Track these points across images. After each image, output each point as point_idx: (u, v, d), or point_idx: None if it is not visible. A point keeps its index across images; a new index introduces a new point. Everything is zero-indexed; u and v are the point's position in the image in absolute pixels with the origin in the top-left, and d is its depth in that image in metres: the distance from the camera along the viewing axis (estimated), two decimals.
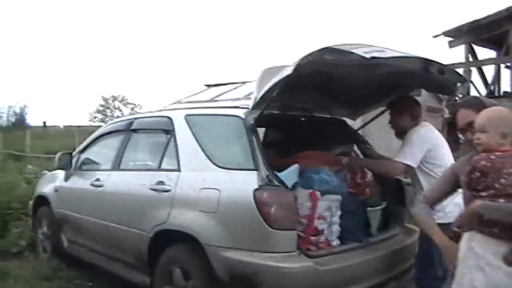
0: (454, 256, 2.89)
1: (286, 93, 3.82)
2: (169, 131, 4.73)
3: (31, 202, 7.13)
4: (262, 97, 3.89)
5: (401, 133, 4.44)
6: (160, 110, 5.50)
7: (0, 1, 66.12)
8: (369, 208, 4.51)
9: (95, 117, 55.09)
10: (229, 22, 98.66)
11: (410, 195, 4.65)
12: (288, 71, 3.55)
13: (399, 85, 4.56)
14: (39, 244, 6.73)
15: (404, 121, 4.42)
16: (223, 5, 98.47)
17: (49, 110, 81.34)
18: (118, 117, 51.71)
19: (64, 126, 40.32)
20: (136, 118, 5.55)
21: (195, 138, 4.41)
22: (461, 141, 3.59)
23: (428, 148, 4.20)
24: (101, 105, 56.64)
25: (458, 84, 4.49)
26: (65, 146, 21.92)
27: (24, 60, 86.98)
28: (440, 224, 3.27)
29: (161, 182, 4.46)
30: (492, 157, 2.72)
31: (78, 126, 39.21)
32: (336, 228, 4.12)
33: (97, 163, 5.98)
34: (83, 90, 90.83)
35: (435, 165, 4.16)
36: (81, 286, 5.65)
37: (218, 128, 4.47)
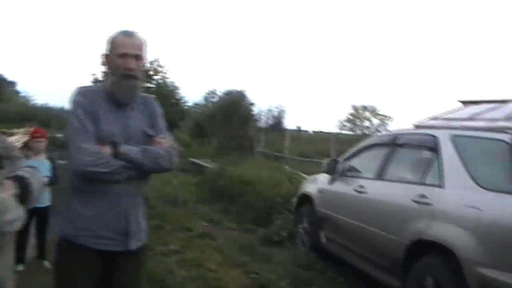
0: None
1: None
2: (434, 149, 5.02)
3: (294, 199, 7.96)
4: None
5: None
6: (421, 127, 5.82)
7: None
8: None
9: (344, 126, 56.50)
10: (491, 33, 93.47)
11: None
12: None
13: None
14: (298, 237, 7.49)
15: None
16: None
17: (300, 115, 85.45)
18: (367, 127, 52.47)
19: (313, 132, 42.11)
20: (401, 134, 5.92)
21: (460, 158, 4.66)
22: None
23: None
24: (351, 114, 57.85)
25: None
26: (317, 152, 23.16)
27: (283, 66, 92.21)
28: None
29: (423, 196, 4.78)
30: None
31: (327, 133, 40.85)
32: None
33: (361, 171, 6.49)
34: (334, 97, 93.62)
35: None
36: (333, 279, 6.15)
37: (483, 151, 4.66)
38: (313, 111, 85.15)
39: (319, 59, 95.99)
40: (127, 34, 2.80)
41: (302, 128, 38.13)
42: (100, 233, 2.69)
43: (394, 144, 5.83)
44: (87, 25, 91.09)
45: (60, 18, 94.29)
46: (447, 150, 4.86)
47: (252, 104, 31.06)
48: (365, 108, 57.98)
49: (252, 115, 27.41)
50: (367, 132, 51.53)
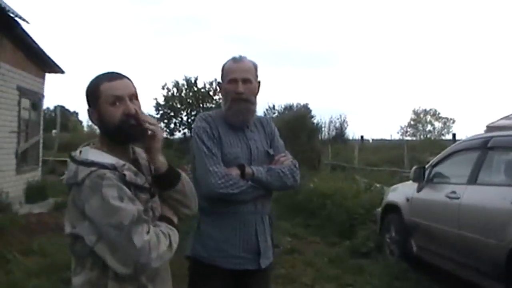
0: None
1: None
2: None
3: (379, 209, 7.95)
4: None
5: None
6: (494, 128, 5.77)
7: None
8: None
9: (406, 131, 55.54)
10: None
11: None
12: None
13: None
14: (386, 247, 7.48)
15: None
16: None
17: (360, 123, 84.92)
18: (430, 131, 51.48)
19: (373, 140, 41.63)
20: (492, 137, 5.84)
21: None
22: None
23: None
24: (413, 119, 56.90)
25: None
26: (383, 160, 22.92)
27: (339, 74, 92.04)
28: None
29: None
30: None
31: (389, 140, 40.25)
32: None
33: (450, 177, 6.43)
34: (392, 103, 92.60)
35: None
36: None
37: None
38: (372, 118, 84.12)
39: (373, 65, 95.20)
40: (235, 60, 2.94)
41: (364, 137, 37.71)
42: (233, 253, 2.82)
43: (486, 147, 5.77)
44: (143, 51, 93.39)
45: (116, 46, 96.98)
46: None
47: (313, 116, 31.19)
48: (426, 112, 56.97)
49: (318, 128, 27.46)
50: (430, 136, 50.65)
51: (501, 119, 6.14)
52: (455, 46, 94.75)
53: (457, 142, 7.28)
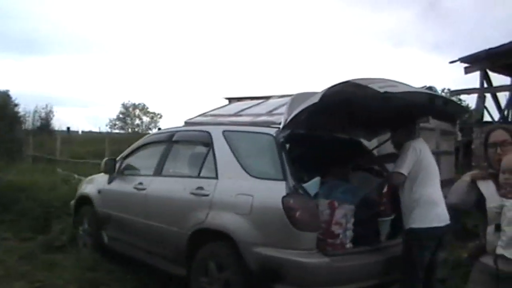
0: None
1: (313, 116, 4.52)
2: (208, 144, 5.43)
3: (72, 202, 7.84)
4: (292, 119, 4.61)
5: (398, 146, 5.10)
6: (192, 124, 6.23)
7: None
8: (379, 219, 5.11)
9: (115, 124, 55.78)
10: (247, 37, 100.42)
11: None
12: (316, 99, 4.26)
13: (410, 113, 5.12)
14: (80, 239, 7.42)
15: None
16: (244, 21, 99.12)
17: (69, 115, 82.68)
18: (138, 125, 52.44)
19: (83, 132, 41.04)
20: (177, 131, 6.23)
21: (232, 151, 5.13)
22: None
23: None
24: (122, 113, 57.36)
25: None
26: (89, 152, 22.69)
27: (55, 63, 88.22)
28: None
29: (201, 188, 5.16)
30: None
31: (98, 132, 40.02)
32: (350, 233, 4.73)
33: (139, 169, 6.66)
34: (103, 96, 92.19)
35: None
36: (120, 278, 6.27)
37: (252, 143, 5.19)
38: (82, 110, 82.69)
39: (82, 55, 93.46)
40: None
41: (72, 129, 36.75)
42: None
43: (171, 141, 6.11)
44: None
45: None
46: (220, 145, 5.30)
47: (16, 105, 29.33)
48: (135, 106, 57.98)
49: (19, 117, 25.97)
50: (138, 130, 51.79)
51: (198, 115, 6.55)
52: (164, 45, 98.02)
53: (147, 136, 7.57)
